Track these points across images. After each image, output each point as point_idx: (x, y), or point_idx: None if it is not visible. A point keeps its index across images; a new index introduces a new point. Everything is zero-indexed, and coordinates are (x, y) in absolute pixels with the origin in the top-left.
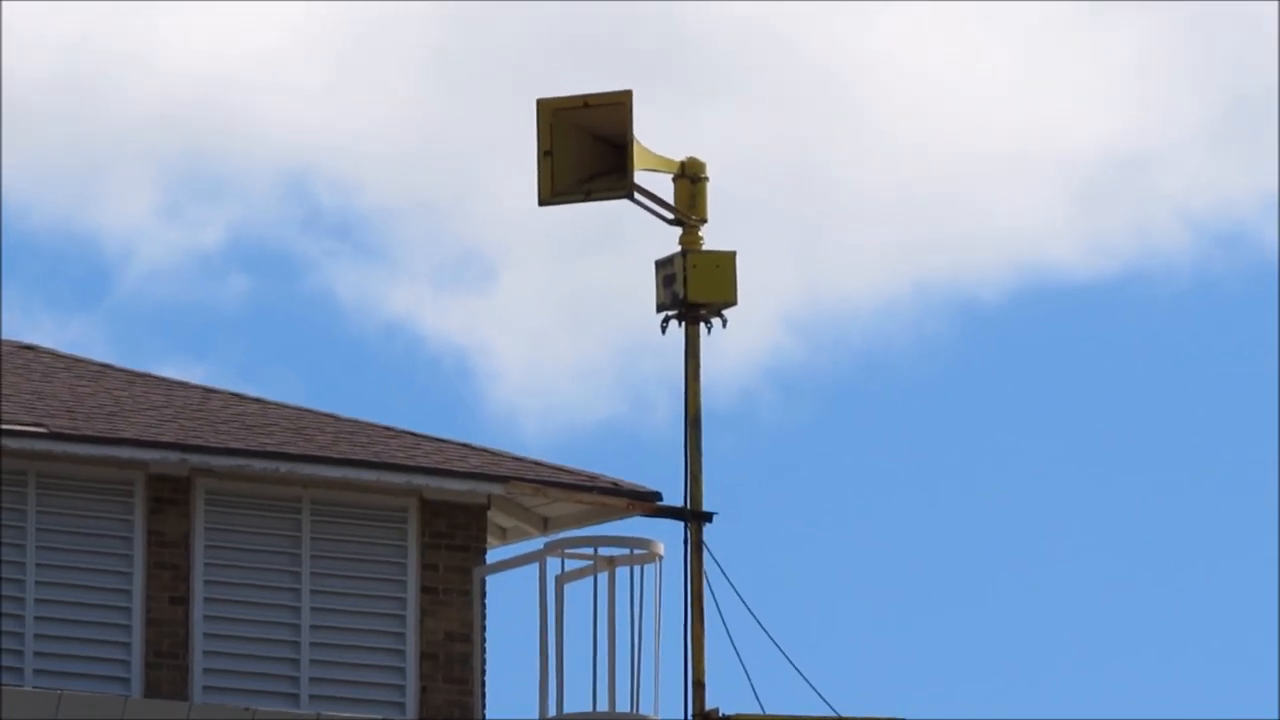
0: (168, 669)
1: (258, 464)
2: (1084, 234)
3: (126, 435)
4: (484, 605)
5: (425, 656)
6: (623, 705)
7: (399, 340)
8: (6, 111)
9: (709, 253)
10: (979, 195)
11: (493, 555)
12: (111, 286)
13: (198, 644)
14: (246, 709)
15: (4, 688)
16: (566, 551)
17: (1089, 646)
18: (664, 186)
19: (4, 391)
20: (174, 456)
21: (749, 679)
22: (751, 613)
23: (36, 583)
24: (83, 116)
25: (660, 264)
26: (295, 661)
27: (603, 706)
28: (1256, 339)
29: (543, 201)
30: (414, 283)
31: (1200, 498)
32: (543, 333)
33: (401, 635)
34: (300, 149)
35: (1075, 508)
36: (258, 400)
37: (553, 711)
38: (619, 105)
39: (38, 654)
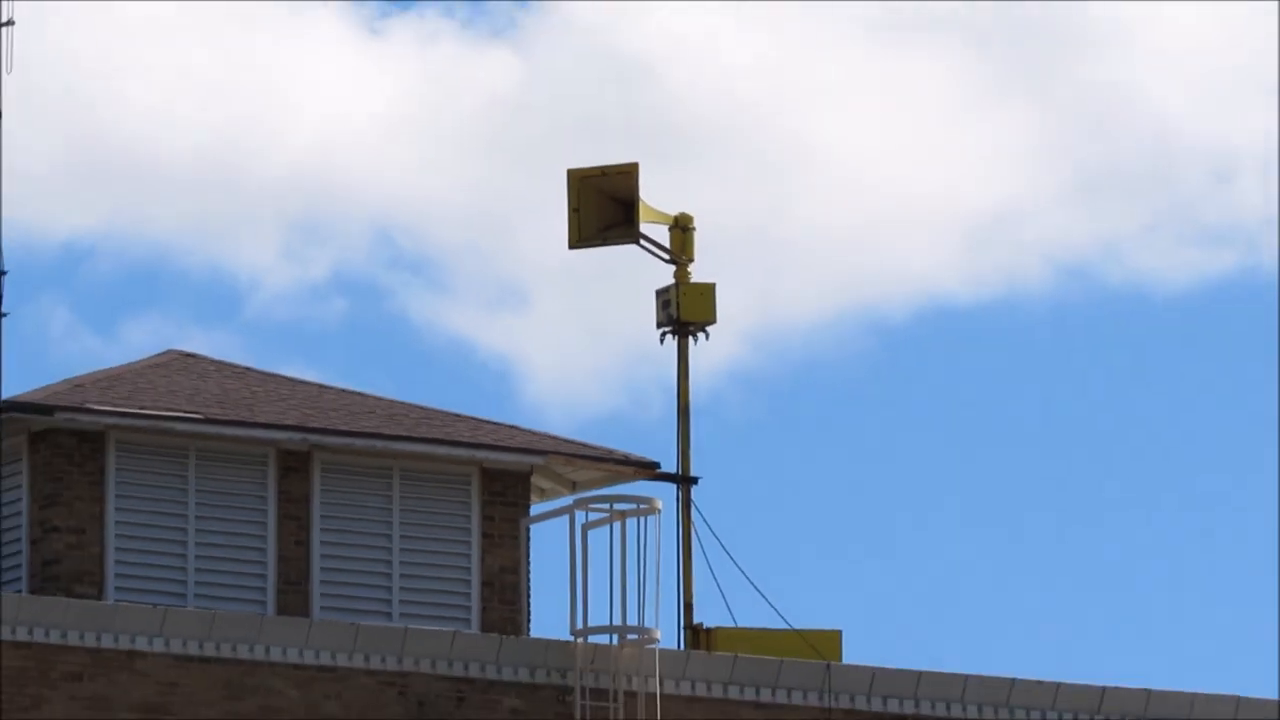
0: (294, 594)
1: (359, 442)
2: (970, 271)
3: (262, 420)
4: (528, 546)
5: (485, 584)
6: (632, 620)
7: (458, 350)
8: (172, 180)
9: (695, 284)
10: (892, 242)
11: (535, 509)
12: (245, 308)
13: (316, 575)
14: (352, 624)
15: (172, 609)
16: (590, 506)
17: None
18: (662, 234)
19: (170, 388)
20: (297, 436)
21: (725, 601)
22: (727, 552)
23: (196, 530)
24: (226, 182)
25: (659, 292)
26: (388, 588)
27: (617, 621)
28: (1099, 353)
29: (571, 245)
30: (469, 307)
31: (1056, 469)
32: (566, 345)
33: (467, 569)
34: (387, 207)
35: (958, 476)
36: (359, 393)
37: (580, 625)
38: (628, 174)
39: (197, 583)
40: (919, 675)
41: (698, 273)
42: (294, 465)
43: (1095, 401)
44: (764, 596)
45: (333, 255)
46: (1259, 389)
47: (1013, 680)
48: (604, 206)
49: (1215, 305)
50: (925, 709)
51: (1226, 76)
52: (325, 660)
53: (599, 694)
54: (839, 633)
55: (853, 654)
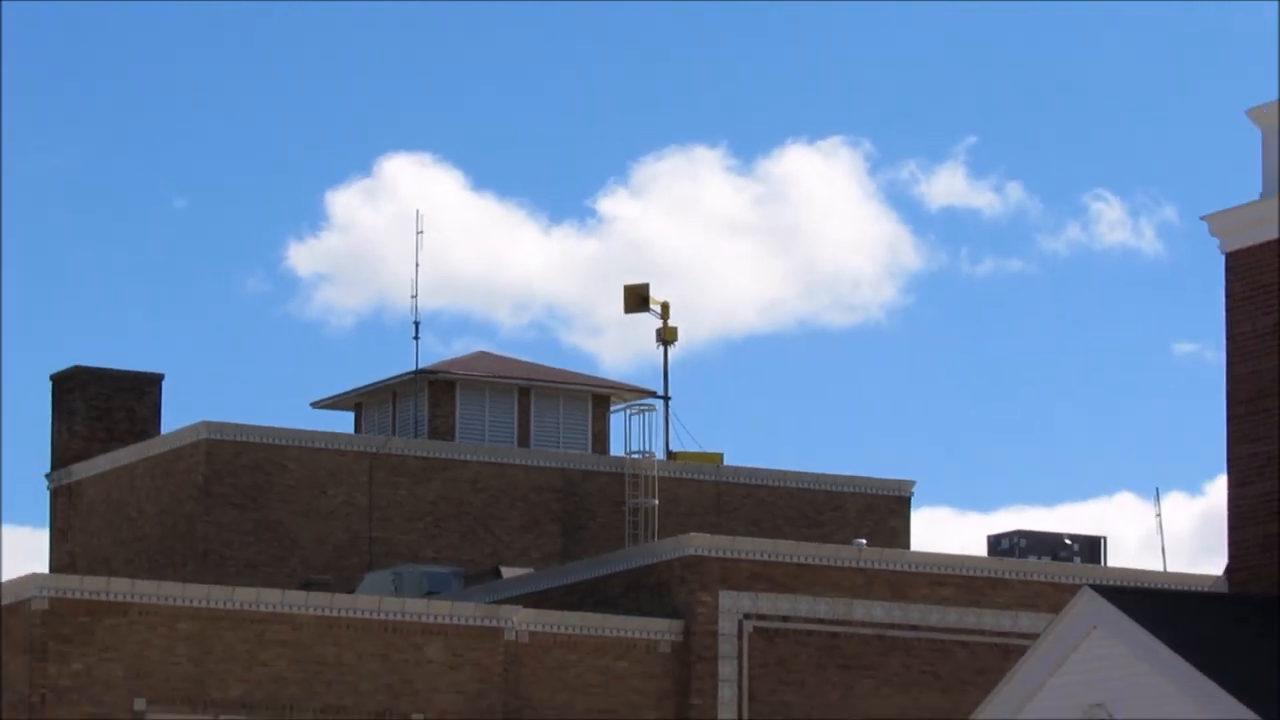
0: (523, 441)
1: (547, 383)
2: (764, 323)
3: (513, 375)
4: (609, 423)
5: (593, 437)
6: (648, 448)
7: (578, 353)
8: (464, 288)
9: (670, 326)
10: (733, 314)
11: (612, 409)
12: (498, 336)
13: (531, 434)
14: (543, 450)
15: (479, 445)
16: (630, 408)
17: None
18: (658, 308)
19: (478, 365)
20: (525, 382)
21: (682, 443)
22: (683, 424)
23: (489, 416)
24: (487, 290)
25: (658, 331)
26: (557, 438)
27: (643, 448)
28: (811, 360)
29: (625, 313)
30: (582, 337)
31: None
32: (619, 349)
33: (586, 432)
34: (550, 300)
35: (765, 404)
36: (547, 367)
37: (627, 450)
38: (645, 286)
39: (490, 435)
40: (755, 470)
41: (671, 321)
42: (523, 394)
43: (813, 380)
44: (695, 440)
45: (529, 316)
46: (876, 393)
47: (782, 470)
48: (636, 299)
49: (863, 338)
50: (756, 483)
51: (858, 243)
52: (534, 464)
53: (635, 477)
54: (721, 454)
55: (730, 461)
